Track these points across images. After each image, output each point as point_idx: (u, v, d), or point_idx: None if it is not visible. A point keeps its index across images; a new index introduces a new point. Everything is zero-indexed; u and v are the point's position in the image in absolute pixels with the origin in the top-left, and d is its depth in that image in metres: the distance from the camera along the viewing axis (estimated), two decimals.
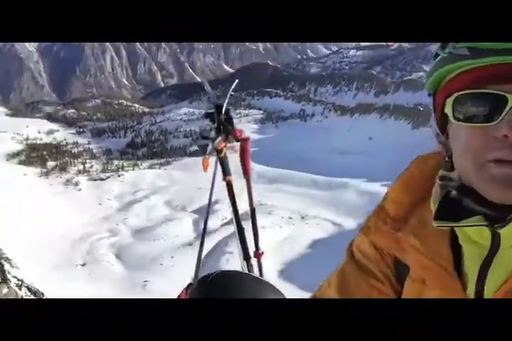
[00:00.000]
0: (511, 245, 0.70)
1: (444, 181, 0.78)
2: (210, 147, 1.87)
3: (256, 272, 2.18)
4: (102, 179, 74.78)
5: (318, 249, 44.89)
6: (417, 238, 0.79)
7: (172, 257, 43.46)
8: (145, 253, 44.96)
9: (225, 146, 1.97)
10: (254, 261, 2.17)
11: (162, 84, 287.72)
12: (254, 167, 79.11)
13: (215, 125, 1.89)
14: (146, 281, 39.17)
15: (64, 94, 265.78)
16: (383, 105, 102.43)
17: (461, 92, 0.68)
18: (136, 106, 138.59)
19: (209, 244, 45.10)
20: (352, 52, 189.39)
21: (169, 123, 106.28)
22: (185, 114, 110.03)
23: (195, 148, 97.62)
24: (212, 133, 1.93)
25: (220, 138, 1.89)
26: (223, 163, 2.04)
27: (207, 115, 2.03)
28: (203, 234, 2.31)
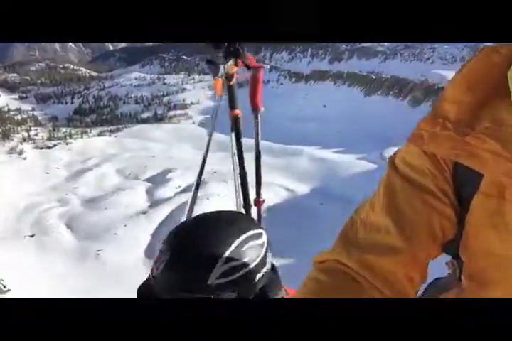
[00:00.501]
0: None
1: None
2: (221, 69, 1.63)
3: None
4: (48, 147, 71.68)
5: (271, 213, 45.71)
6: (493, 139, 0.66)
7: (125, 226, 42.88)
8: (97, 222, 44.06)
9: (235, 72, 1.73)
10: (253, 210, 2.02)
11: (111, 48, 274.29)
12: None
13: (225, 48, 1.61)
14: (99, 251, 38.60)
15: (4, 58, 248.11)
16: (337, 72, 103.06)
17: None
18: (83, 70, 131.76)
19: (162, 212, 44.80)
20: None
21: (119, 88, 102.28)
22: (136, 78, 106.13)
23: (146, 114, 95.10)
24: (220, 59, 1.66)
25: (231, 62, 1.64)
26: (232, 93, 1.82)
27: None
28: (200, 173, 2.06)
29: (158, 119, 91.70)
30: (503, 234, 0.66)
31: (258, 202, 2.04)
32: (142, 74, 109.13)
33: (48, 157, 67.27)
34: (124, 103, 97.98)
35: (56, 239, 41.11)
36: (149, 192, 51.84)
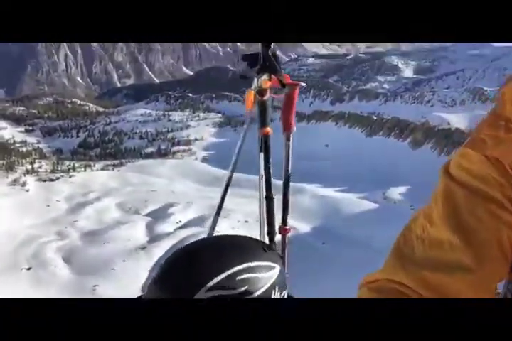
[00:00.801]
0: None
1: None
2: (255, 81, 1.56)
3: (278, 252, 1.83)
4: (51, 180, 71.91)
5: None
6: None
7: (124, 261, 42.31)
8: (95, 257, 43.51)
9: (269, 88, 1.63)
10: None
11: (118, 84, 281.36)
12: (212, 170, 78.78)
13: (260, 62, 1.53)
14: (95, 286, 37.89)
15: (13, 92, 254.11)
16: (339, 113, 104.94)
17: None
18: (90, 105, 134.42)
19: (162, 248, 44.26)
20: (310, 60, 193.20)
21: (124, 123, 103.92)
22: (142, 115, 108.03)
23: (150, 149, 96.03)
24: (253, 74, 1.59)
25: (265, 76, 1.56)
26: (264, 108, 1.71)
27: (245, 57, 1.60)
28: (222, 199, 1.93)
29: (161, 154, 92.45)
30: None
31: (284, 230, 1.89)
32: (148, 111, 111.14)
33: (50, 189, 67.33)
34: (129, 138, 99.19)
35: (53, 273, 40.47)
36: (149, 226, 51.49)
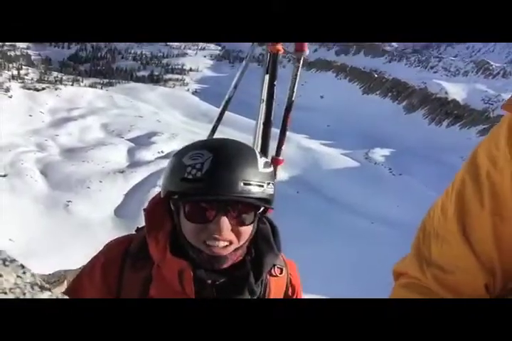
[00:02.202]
0: None
1: None
2: None
3: None
4: (36, 89, 69.91)
5: None
6: None
7: (100, 182, 42.59)
8: (72, 173, 43.60)
9: None
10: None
11: None
12: (201, 105, 77.32)
13: None
14: (69, 201, 38.35)
15: None
16: (341, 64, 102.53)
17: None
18: None
19: (140, 174, 44.57)
20: None
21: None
22: None
23: (142, 73, 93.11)
24: None
25: None
26: None
27: None
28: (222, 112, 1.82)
29: (153, 80, 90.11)
30: None
31: (276, 161, 1.74)
32: None
33: (34, 99, 65.66)
34: (122, 58, 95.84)
35: (28, 183, 40.59)
36: (130, 152, 51.35)
